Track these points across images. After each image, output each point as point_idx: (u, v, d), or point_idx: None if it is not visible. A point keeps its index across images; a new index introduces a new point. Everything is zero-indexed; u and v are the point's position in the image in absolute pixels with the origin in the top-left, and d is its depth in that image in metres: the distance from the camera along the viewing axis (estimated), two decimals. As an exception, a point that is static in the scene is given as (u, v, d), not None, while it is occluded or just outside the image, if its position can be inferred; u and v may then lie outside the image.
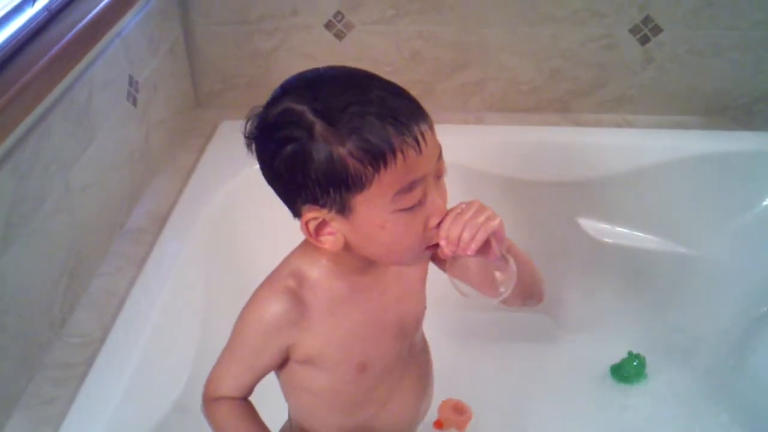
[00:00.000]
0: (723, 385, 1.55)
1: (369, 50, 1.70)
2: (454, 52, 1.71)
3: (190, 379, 1.16)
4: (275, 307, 0.89)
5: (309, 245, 0.88)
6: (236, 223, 1.49)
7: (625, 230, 1.67)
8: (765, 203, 1.59)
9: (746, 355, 1.54)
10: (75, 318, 1.19)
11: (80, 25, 1.20)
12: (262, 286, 0.92)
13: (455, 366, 1.25)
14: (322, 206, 0.80)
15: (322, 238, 0.84)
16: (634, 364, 1.58)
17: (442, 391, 1.11)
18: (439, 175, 0.83)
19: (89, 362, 1.10)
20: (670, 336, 1.65)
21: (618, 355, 1.60)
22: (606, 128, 1.71)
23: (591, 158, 1.62)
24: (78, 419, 1.01)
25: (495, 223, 0.81)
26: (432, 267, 0.98)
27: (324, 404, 0.99)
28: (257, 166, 0.84)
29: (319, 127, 0.76)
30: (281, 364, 0.95)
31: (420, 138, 0.77)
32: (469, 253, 0.80)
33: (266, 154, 0.81)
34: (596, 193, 1.64)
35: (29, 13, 1.16)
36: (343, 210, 0.80)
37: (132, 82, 1.42)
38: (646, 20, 1.64)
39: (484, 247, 0.81)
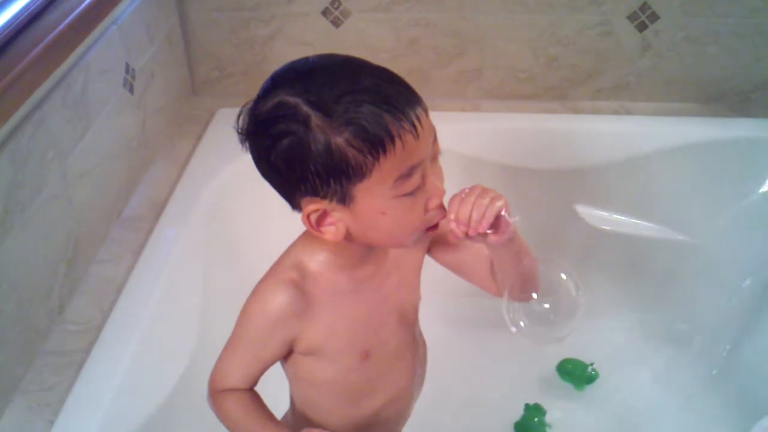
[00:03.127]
0: (719, 371, 1.56)
1: (366, 38, 1.70)
2: (451, 40, 1.70)
3: (189, 366, 1.16)
4: (279, 300, 0.89)
5: (310, 236, 0.88)
6: (234, 210, 1.49)
7: (623, 218, 1.67)
8: (762, 190, 1.59)
9: (742, 342, 1.55)
10: (73, 305, 1.19)
11: (76, 12, 1.19)
12: (265, 278, 0.92)
13: (444, 352, 1.26)
14: (323, 197, 0.80)
15: (324, 229, 0.84)
16: (582, 373, 1.56)
17: (428, 374, 1.12)
18: (434, 156, 0.83)
19: (88, 349, 1.10)
20: (666, 322, 1.66)
21: (614, 341, 1.61)
22: (603, 116, 1.71)
23: (588, 146, 1.62)
24: (76, 406, 1.01)
25: (501, 202, 0.82)
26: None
27: (328, 395, 1.00)
28: (253, 156, 0.84)
29: (315, 118, 0.75)
30: (286, 355, 0.95)
31: (417, 123, 0.77)
32: (480, 230, 0.81)
33: (262, 149, 0.81)
34: (594, 181, 1.64)
35: (24, -1, 1.15)
36: (344, 199, 0.80)
37: (129, 69, 1.42)
38: (644, 7, 1.63)
39: (495, 224, 0.82)
